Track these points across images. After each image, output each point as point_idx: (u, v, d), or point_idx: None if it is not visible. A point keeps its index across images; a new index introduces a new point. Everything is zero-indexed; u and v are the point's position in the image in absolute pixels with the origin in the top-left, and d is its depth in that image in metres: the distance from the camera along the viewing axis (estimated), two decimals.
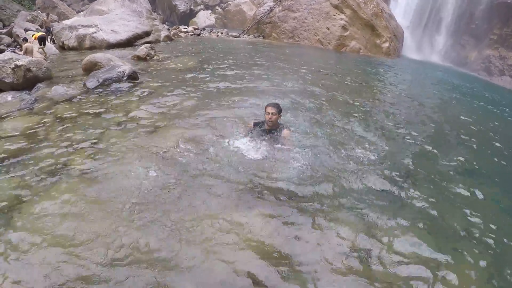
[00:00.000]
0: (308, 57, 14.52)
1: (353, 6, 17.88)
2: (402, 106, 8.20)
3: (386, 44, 18.04)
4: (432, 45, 21.80)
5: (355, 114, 6.83)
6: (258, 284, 2.72)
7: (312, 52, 16.30)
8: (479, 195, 4.48)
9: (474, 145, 6.35)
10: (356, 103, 7.75)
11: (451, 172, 5.04)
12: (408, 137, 6.05)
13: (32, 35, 14.61)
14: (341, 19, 17.82)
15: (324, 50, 17.10)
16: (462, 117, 8.17)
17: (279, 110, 4.94)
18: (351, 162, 4.74)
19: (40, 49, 13.67)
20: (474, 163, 5.53)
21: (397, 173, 4.62)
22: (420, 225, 3.60)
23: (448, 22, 21.35)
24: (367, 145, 5.33)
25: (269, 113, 4.87)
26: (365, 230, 3.41)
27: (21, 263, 2.79)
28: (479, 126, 7.72)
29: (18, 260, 2.82)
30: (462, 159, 5.51)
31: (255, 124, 5.18)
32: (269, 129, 4.96)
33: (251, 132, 5.09)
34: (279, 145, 4.84)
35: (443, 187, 4.50)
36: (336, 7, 18.13)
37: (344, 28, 17.74)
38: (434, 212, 3.87)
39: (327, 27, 17.94)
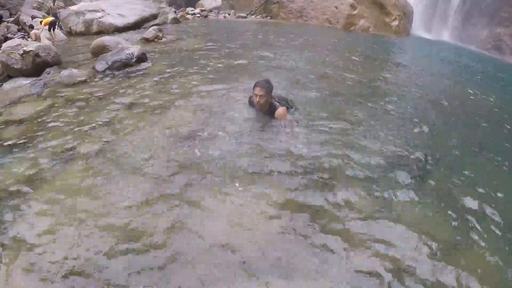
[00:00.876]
0: (316, 36, 14.29)
1: None
2: (413, 86, 8.03)
3: (396, 23, 17.65)
4: (442, 23, 21.29)
5: (364, 94, 6.72)
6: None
7: (320, 31, 16.00)
8: (496, 175, 4.38)
9: (489, 126, 6.20)
10: (364, 83, 7.63)
11: (467, 152, 4.93)
12: (419, 118, 5.89)
13: (41, 21, 14.63)
14: None
15: (332, 29, 16.80)
16: (474, 97, 8.02)
17: (268, 90, 4.30)
18: (357, 143, 4.55)
19: (49, 35, 13.69)
20: (490, 143, 5.41)
21: (409, 154, 4.47)
22: (436, 205, 3.52)
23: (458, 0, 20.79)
24: (376, 126, 5.18)
25: (256, 95, 4.28)
26: (378, 208, 3.35)
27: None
28: (493, 106, 7.54)
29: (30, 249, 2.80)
30: (477, 139, 5.39)
31: (250, 103, 4.75)
32: (261, 111, 4.48)
33: (248, 112, 4.76)
34: (274, 128, 4.34)
35: (458, 168, 4.35)
36: None
37: (352, 6, 17.36)
38: (449, 193, 3.76)
39: (335, 6, 17.58)
